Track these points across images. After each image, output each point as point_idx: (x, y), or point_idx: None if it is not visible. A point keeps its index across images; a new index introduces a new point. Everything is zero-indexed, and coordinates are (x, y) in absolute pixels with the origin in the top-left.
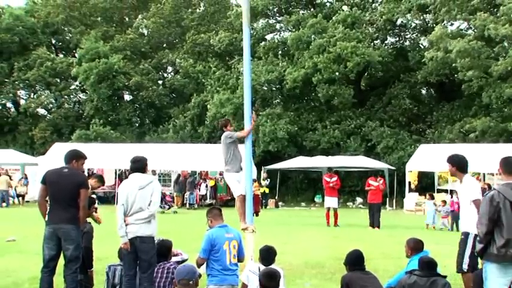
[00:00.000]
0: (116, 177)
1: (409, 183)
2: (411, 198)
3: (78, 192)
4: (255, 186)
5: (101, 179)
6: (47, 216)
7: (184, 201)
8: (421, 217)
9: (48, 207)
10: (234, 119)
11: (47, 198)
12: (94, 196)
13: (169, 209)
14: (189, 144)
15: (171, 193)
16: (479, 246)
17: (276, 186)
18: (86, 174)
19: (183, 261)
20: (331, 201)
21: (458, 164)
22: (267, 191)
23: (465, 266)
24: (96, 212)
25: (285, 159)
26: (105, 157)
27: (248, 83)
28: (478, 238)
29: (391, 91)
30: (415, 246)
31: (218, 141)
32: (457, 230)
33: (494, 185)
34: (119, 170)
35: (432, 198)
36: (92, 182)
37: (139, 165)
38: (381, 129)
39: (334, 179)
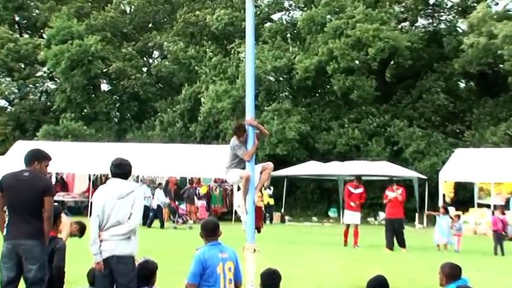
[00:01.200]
0: (90, 184)
1: (444, 195)
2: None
3: (42, 200)
4: (257, 196)
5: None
6: (4, 230)
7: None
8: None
9: (7, 219)
10: (232, 116)
11: (5, 208)
12: (60, 205)
13: (184, 223)
14: (179, 145)
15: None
16: None
17: (282, 197)
18: (53, 180)
19: None
20: (353, 217)
21: None
22: (271, 202)
23: None
24: (60, 224)
25: (294, 164)
26: (77, 159)
27: (251, 71)
28: None
29: (422, 83)
30: (451, 273)
31: (213, 142)
32: (502, 253)
33: None
34: (94, 175)
35: (446, 212)
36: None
37: (123, 170)
38: (410, 129)
39: (360, 190)
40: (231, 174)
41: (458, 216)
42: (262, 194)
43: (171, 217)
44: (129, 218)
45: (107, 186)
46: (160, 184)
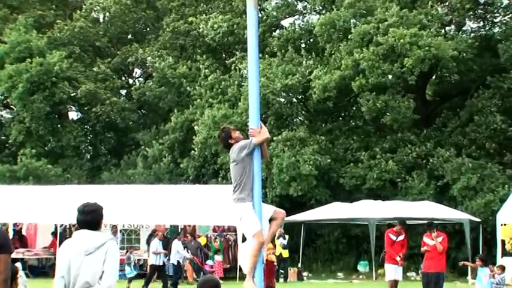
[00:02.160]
0: (57, 237)
1: (503, 241)
2: (507, 265)
3: None
4: (268, 248)
5: None
6: None
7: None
8: None
9: None
10: None
11: None
12: (18, 264)
13: None
14: (168, 186)
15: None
16: None
17: (298, 248)
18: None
19: None
20: (396, 271)
21: None
22: (285, 254)
23: None
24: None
25: (313, 207)
26: (40, 206)
27: (255, 91)
28: None
29: (472, 102)
30: None
31: (210, 181)
32: None
33: None
34: (61, 225)
35: (485, 264)
36: None
37: (91, 217)
38: (458, 160)
39: (402, 237)
40: (246, 210)
41: (502, 268)
42: (274, 244)
43: (195, 276)
44: (100, 277)
45: (72, 241)
46: (179, 234)
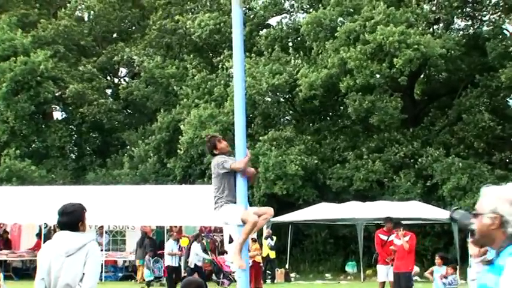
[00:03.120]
0: (40, 238)
1: None
2: None
3: None
4: (254, 249)
5: None
6: None
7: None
8: None
9: None
10: None
11: None
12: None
13: (230, 283)
14: (154, 186)
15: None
16: None
17: (286, 249)
18: None
19: None
20: (388, 273)
21: None
22: (272, 255)
23: None
24: None
25: (300, 207)
26: (24, 207)
27: (241, 90)
28: None
29: (460, 101)
30: None
31: (197, 181)
32: None
33: None
34: (45, 225)
35: (445, 263)
36: None
37: (70, 218)
38: (447, 159)
39: (393, 236)
40: (227, 213)
41: (454, 268)
42: (261, 245)
43: (215, 276)
44: (81, 280)
45: (53, 242)
46: (198, 236)
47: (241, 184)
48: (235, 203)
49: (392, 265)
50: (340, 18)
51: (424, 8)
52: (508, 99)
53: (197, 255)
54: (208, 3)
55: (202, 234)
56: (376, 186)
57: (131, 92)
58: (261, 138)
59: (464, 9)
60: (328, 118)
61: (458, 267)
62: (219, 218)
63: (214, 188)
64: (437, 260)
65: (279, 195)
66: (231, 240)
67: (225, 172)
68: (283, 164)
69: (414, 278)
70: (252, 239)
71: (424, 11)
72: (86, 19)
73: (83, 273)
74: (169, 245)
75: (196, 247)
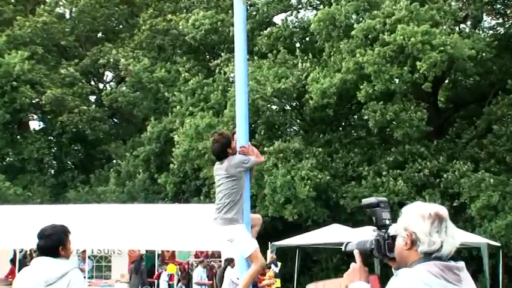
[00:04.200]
0: (16, 264)
1: None
2: None
3: None
4: (268, 276)
5: None
6: None
7: None
8: None
9: None
10: None
11: None
12: None
13: None
14: (143, 205)
15: None
16: None
17: (292, 276)
18: None
19: None
20: None
21: None
22: (277, 284)
23: None
24: None
25: (309, 229)
26: None
27: (243, 96)
28: None
29: (491, 110)
30: None
31: (192, 199)
32: None
33: None
34: (21, 251)
35: None
36: None
37: (50, 242)
38: (476, 175)
39: None
40: (241, 236)
41: None
42: (265, 270)
43: None
44: None
45: (31, 269)
46: (232, 261)
47: (246, 184)
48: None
49: None
50: (355, 16)
51: (452, 4)
52: None
53: (233, 283)
54: (205, 0)
55: (198, 260)
56: (397, 206)
57: (116, 98)
58: (265, 149)
59: (494, 6)
60: (340, 129)
61: None
62: (226, 233)
63: (226, 193)
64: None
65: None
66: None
67: (243, 171)
68: (293, 184)
69: None
70: (266, 265)
71: (453, 8)
72: (67, 16)
73: None
74: (198, 273)
75: (231, 273)
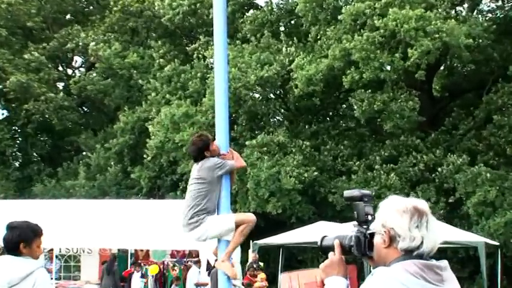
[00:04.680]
0: None
1: None
2: None
3: None
4: (261, 279)
5: None
6: None
7: None
8: None
9: None
10: None
11: None
12: None
13: None
14: (115, 201)
15: None
16: None
17: (276, 277)
18: None
19: None
20: None
21: None
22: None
23: None
24: None
25: (293, 227)
26: None
27: (223, 84)
28: None
29: (490, 99)
30: None
31: (167, 195)
32: None
33: None
34: None
35: None
36: None
37: (11, 236)
38: (472, 169)
39: None
40: (212, 224)
41: None
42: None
43: None
44: None
45: None
46: (198, 262)
47: (226, 187)
48: (215, 213)
49: None
50: None
51: None
52: None
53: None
54: None
55: (174, 260)
56: None
57: (85, 86)
58: (247, 143)
59: None
60: (328, 119)
61: None
62: (197, 235)
63: (198, 197)
64: None
65: (270, 214)
66: (208, 267)
67: (219, 176)
68: (277, 177)
69: None
70: (258, 267)
71: None
72: None
73: None
74: (194, 274)
75: (193, 272)
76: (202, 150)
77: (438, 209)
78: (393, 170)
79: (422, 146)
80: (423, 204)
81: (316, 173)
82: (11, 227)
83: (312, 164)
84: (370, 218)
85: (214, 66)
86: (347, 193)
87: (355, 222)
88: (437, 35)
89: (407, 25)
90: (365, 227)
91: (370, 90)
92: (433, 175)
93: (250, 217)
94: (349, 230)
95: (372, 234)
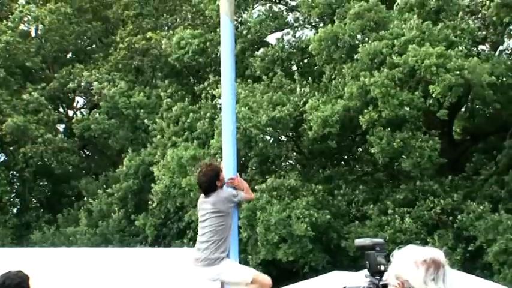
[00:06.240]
0: None
1: None
2: None
3: None
4: None
5: None
6: None
7: None
8: None
9: None
10: None
11: None
12: None
13: None
14: (118, 249)
15: None
16: None
17: None
18: None
19: None
20: None
21: None
22: None
23: None
24: None
25: (306, 277)
26: None
27: (230, 125)
28: None
29: None
30: None
31: (174, 243)
32: None
33: None
34: None
35: None
36: None
37: None
38: (494, 216)
39: None
40: (229, 269)
41: None
42: None
43: None
44: None
45: None
46: None
47: (234, 220)
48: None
49: None
50: (360, 35)
51: (470, 23)
52: None
53: None
54: (189, 16)
55: None
56: None
57: (87, 126)
58: (256, 187)
59: None
60: (342, 162)
61: None
62: (210, 275)
63: (218, 231)
64: None
65: (281, 262)
66: None
67: (232, 207)
68: (288, 222)
69: None
70: None
71: (471, 27)
72: (33, 34)
73: None
74: None
75: None
76: (214, 180)
77: (456, 256)
78: (408, 213)
79: (441, 191)
80: (440, 255)
81: (328, 217)
82: (9, 284)
83: (325, 207)
84: (382, 268)
85: (222, 104)
86: (358, 242)
87: (367, 273)
88: (458, 72)
89: (429, 60)
90: (377, 277)
91: (389, 129)
92: (450, 218)
93: (267, 281)
94: (361, 280)
95: (385, 286)
